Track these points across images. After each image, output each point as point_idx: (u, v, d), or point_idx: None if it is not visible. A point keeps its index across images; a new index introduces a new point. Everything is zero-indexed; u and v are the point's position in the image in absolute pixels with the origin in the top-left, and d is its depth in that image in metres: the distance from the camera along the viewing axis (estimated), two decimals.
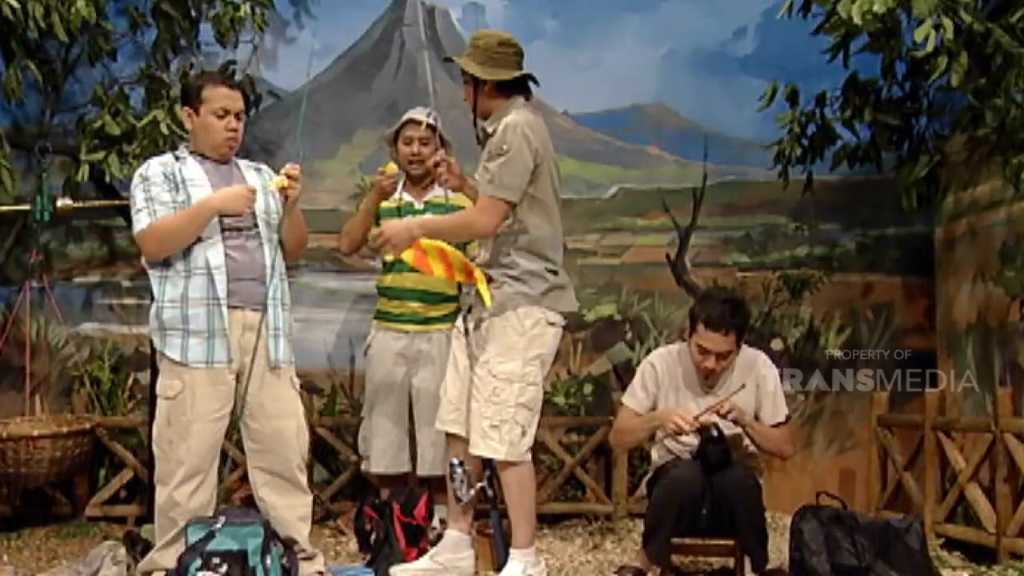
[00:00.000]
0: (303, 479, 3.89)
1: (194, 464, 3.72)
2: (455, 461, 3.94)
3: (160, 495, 3.77)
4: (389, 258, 4.59)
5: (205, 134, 3.84)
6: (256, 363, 3.77)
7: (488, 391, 3.85)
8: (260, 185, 3.87)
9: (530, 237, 3.89)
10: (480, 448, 3.87)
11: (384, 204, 4.73)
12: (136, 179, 3.85)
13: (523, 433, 3.86)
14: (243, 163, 3.98)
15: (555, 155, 4.04)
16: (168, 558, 3.74)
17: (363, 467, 4.81)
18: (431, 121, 4.66)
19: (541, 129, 3.93)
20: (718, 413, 3.88)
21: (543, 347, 3.90)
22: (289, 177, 3.78)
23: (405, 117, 4.74)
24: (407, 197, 4.73)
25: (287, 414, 3.85)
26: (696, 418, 3.87)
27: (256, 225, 3.83)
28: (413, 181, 4.75)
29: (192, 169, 3.83)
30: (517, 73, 3.95)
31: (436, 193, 4.69)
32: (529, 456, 3.92)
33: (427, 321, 4.66)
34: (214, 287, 3.71)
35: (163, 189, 3.76)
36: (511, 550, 3.92)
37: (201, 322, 3.72)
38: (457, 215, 4.05)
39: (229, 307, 3.74)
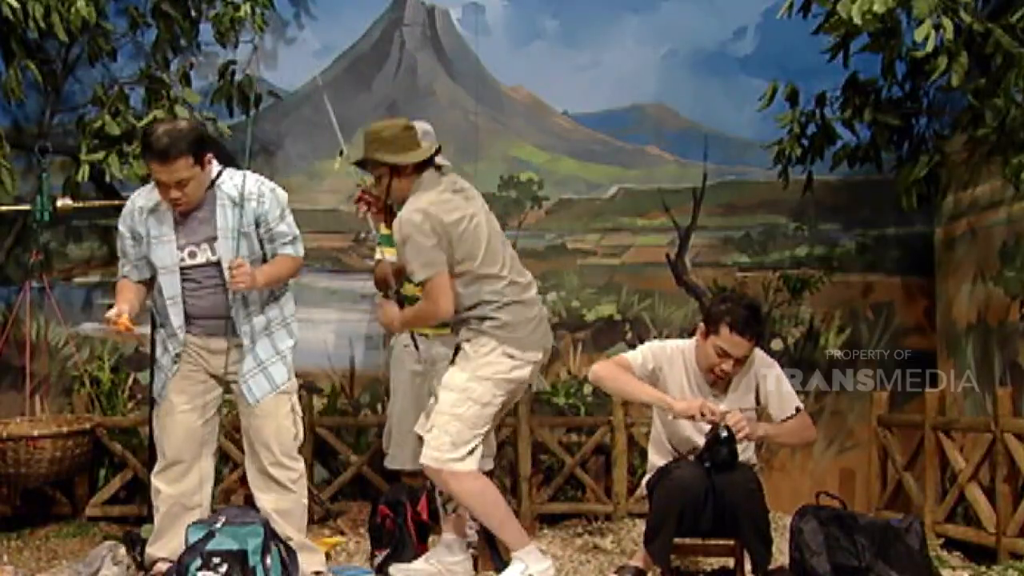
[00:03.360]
0: (282, 475, 3.93)
1: (170, 454, 3.92)
2: None
3: None
4: None
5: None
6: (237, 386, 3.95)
7: (445, 406, 3.89)
8: (230, 223, 3.83)
9: (469, 295, 3.91)
10: (430, 461, 3.86)
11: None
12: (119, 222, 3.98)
13: (453, 444, 3.81)
14: (227, 192, 3.85)
15: (482, 208, 4.02)
16: (160, 549, 3.90)
17: (386, 462, 4.83)
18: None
19: (445, 201, 3.92)
20: (732, 429, 3.85)
21: (497, 372, 3.87)
22: (232, 270, 3.74)
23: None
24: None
25: (264, 414, 3.93)
26: (723, 415, 3.85)
27: (219, 272, 3.83)
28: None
29: (159, 223, 3.83)
30: (429, 151, 3.99)
31: None
32: (466, 468, 3.83)
33: (446, 324, 4.67)
34: (171, 316, 3.89)
35: (128, 244, 3.92)
36: (514, 554, 3.91)
37: (172, 329, 3.91)
38: (419, 308, 4.01)
39: (191, 333, 3.91)
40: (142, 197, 3.91)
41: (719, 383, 4.03)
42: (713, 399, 4.00)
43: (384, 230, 4.76)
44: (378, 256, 4.78)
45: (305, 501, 4.02)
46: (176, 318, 3.86)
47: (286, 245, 3.92)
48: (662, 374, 4.06)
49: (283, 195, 3.96)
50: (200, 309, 3.88)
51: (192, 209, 3.83)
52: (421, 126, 4.69)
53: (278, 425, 3.92)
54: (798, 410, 4.06)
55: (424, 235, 3.82)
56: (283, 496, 3.92)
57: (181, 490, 3.90)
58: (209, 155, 3.82)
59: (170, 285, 3.84)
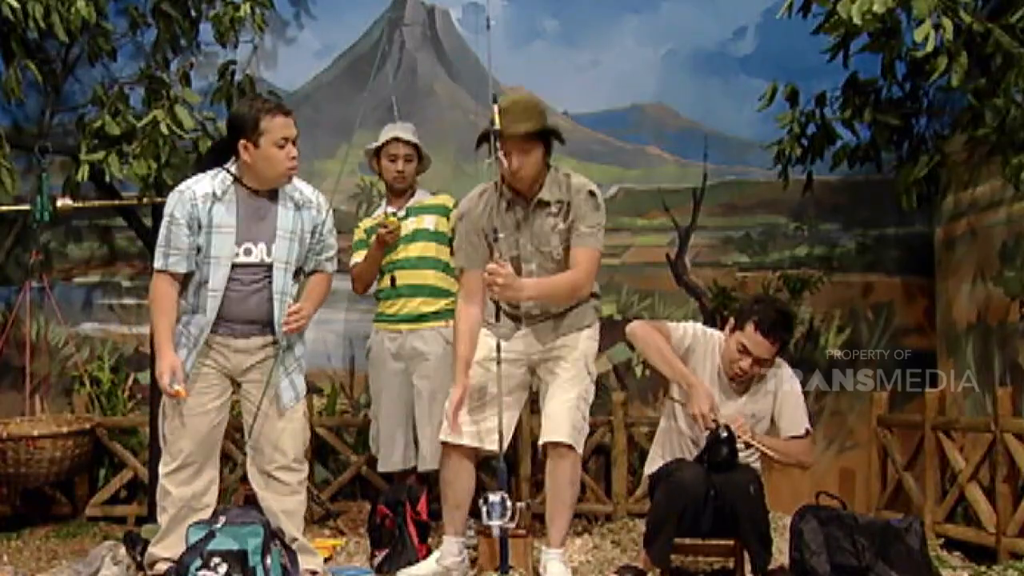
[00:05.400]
0: (291, 478, 3.94)
1: (184, 456, 3.86)
2: (495, 498, 3.84)
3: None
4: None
5: (267, 165, 3.77)
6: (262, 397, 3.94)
7: (582, 388, 4.03)
8: (290, 225, 3.84)
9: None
10: (570, 438, 3.99)
11: (369, 220, 4.89)
12: (168, 206, 3.83)
13: (583, 426, 4.07)
14: (290, 193, 3.85)
15: None
16: (164, 548, 3.86)
17: (379, 467, 4.84)
18: (414, 139, 4.79)
19: None
20: (732, 429, 3.86)
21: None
22: (289, 316, 3.82)
23: (388, 134, 4.81)
24: (390, 209, 4.85)
25: (284, 419, 3.95)
26: (715, 420, 3.86)
27: (267, 274, 3.83)
28: (395, 193, 4.87)
29: (225, 212, 3.78)
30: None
31: (416, 199, 4.86)
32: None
33: (421, 318, 4.71)
34: (207, 308, 3.82)
35: (183, 233, 3.77)
36: (551, 550, 4.02)
37: (196, 332, 3.85)
38: (564, 279, 3.98)
39: (217, 333, 3.86)
40: (205, 184, 3.79)
41: (738, 381, 4.04)
42: (730, 396, 4.01)
43: (369, 222, 4.83)
44: (356, 260, 4.84)
45: (306, 502, 4.05)
46: (211, 312, 3.79)
47: (330, 259, 3.99)
48: (694, 356, 4.08)
49: (327, 210, 3.97)
50: (237, 311, 3.83)
51: (256, 204, 3.81)
52: (405, 125, 4.85)
53: (294, 430, 3.95)
54: (807, 432, 4.08)
55: None
56: (291, 497, 3.95)
57: (192, 492, 3.86)
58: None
59: (218, 279, 3.78)
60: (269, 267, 3.82)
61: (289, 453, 3.92)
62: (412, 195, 4.88)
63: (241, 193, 3.82)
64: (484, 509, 3.83)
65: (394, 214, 4.81)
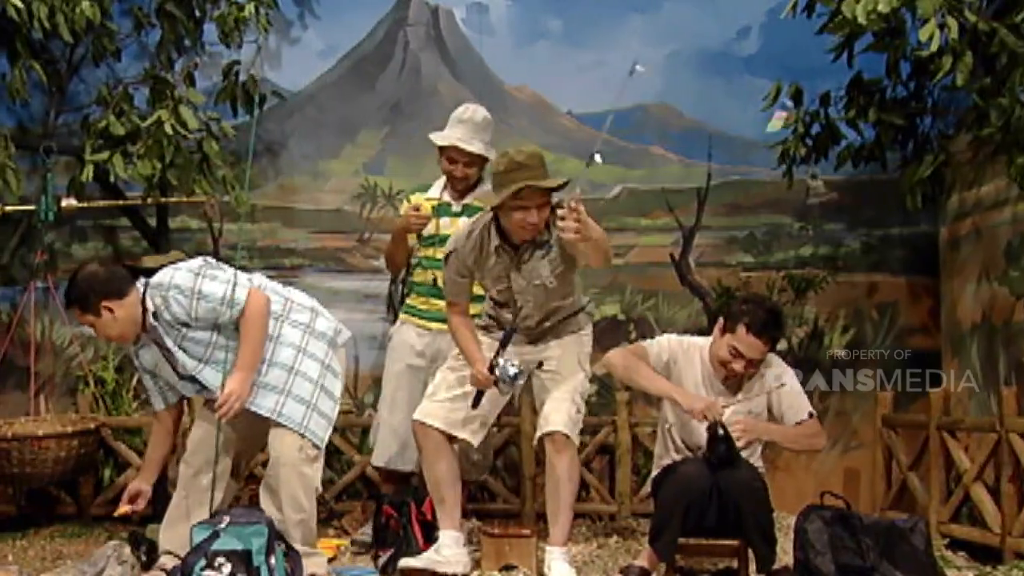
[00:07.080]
0: (287, 473, 3.91)
1: (195, 443, 4.03)
2: (502, 361, 3.93)
3: None
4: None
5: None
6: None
7: (577, 381, 4.09)
8: (189, 360, 3.88)
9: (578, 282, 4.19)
10: (565, 427, 4.02)
11: (421, 197, 4.70)
12: (132, 356, 4.04)
13: (579, 418, 4.10)
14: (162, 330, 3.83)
15: None
16: (167, 540, 3.96)
17: (391, 464, 4.70)
18: (476, 150, 4.53)
19: None
20: (727, 431, 3.85)
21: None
22: (219, 407, 3.78)
23: (450, 139, 4.55)
24: (446, 197, 4.65)
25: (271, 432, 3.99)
26: (719, 419, 3.85)
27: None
28: (457, 189, 4.67)
29: (149, 355, 3.95)
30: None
31: (477, 194, 4.62)
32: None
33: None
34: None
35: (147, 375, 4.02)
36: (555, 549, 4.02)
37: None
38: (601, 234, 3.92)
39: None
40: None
41: (731, 382, 4.03)
42: (724, 397, 4.00)
43: (420, 199, 4.65)
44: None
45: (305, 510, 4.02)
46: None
47: (224, 314, 3.77)
48: (676, 367, 4.07)
49: (185, 284, 3.75)
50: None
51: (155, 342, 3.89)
52: (475, 119, 4.59)
53: (283, 430, 3.94)
54: (811, 415, 4.06)
55: None
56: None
57: (197, 485, 3.95)
58: (106, 302, 3.72)
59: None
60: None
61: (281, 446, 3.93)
62: (476, 186, 4.64)
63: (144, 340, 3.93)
64: (497, 372, 3.93)
65: (448, 205, 4.63)
